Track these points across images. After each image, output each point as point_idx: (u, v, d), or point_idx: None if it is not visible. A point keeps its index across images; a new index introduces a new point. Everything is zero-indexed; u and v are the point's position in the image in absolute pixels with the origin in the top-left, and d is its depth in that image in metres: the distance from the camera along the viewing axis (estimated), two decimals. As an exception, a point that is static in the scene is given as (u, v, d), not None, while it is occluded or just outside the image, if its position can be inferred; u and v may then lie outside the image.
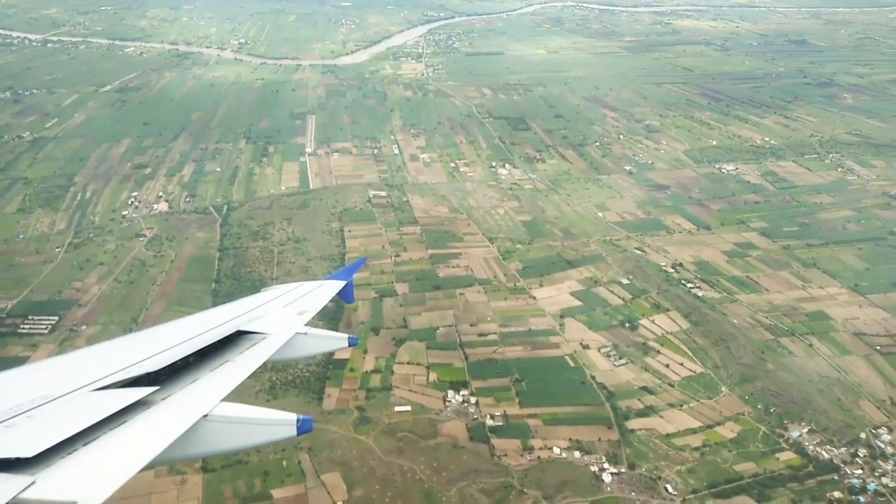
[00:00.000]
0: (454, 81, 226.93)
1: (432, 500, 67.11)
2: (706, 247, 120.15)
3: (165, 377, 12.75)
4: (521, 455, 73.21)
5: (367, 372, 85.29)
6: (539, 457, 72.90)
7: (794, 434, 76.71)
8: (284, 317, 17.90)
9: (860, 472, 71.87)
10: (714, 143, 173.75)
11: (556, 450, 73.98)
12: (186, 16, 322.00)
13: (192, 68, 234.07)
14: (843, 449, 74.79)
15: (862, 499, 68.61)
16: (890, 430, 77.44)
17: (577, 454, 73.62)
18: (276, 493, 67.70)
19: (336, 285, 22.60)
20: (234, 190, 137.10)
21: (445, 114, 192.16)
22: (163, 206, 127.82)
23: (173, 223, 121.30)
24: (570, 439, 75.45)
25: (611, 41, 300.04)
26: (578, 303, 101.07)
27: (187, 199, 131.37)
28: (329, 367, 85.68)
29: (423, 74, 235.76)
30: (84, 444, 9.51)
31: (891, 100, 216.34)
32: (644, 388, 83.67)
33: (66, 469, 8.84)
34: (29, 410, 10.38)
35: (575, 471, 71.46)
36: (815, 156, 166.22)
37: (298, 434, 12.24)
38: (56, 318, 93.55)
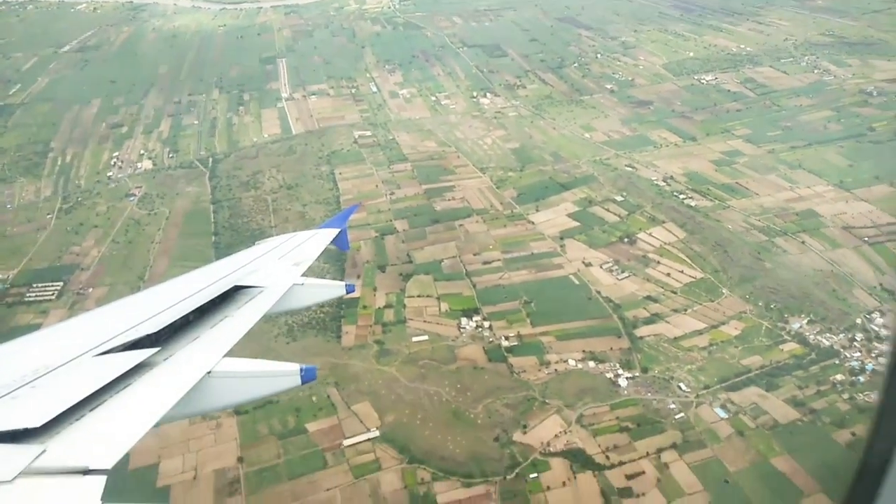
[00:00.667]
0: (422, 12, 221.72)
1: (460, 418, 70.08)
2: (694, 158, 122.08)
3: (166, 337, 12.88)
4: (539, 370, 76.15)
5: (379, 308, 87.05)
6: (556, 370, 75.92)
7: (795, 326, 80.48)
8: (281, 269, 18.05)
9: (858, 354, 75.98)
10: (691, 54, 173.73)
11: (572, 362, 77.03)
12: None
13: (149, 20, 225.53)
14: (841, 335, 78.76)
15: (861, 378, 72.81)
16: (882, 314, 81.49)
17: (591, 364, 76.74)
18: (311, 427, 70.11)
19: (330, 233, 22.77)
20: (215, 142, 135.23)
21: (418, 46, 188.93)
22: (147, 164, 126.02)
23: (161, 180, 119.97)
24: (584, 351, 78.43)
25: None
26: (576, 223, 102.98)
27: (170, 155, 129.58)
28: (342, 306, 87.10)
29: (389, 7, 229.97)
30: (90, 410, 9.57)
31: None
32: (648, 298, 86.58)
33: (75, 436, 8.88)
34: (33, 381, 10.38)
35: (591, 379, 74.70)
36: (791, 59, 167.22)
37: (302, 383, 12.44)
38: (61, 283, 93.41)
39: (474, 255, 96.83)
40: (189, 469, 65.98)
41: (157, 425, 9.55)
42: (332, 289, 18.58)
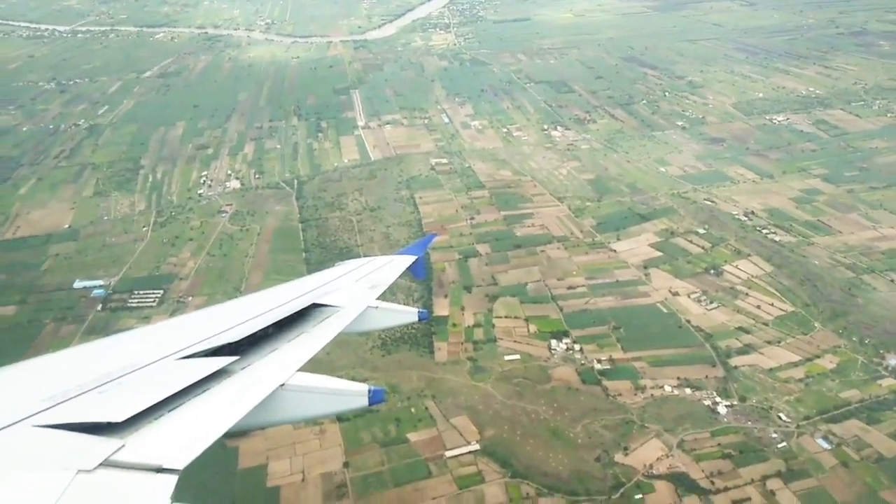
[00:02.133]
0: (487, 49, 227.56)
1: (560, 437, 70.62)
2: (773, 194, 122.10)
3: (245, 347, 13.33)
4: (635, 394, 76.45)
5: (469, 326, 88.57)
6: (652, 395, 76.13)
7: (892, 362, 79.49)
8: (357, 290, 18.48)
9: (962, 393, 74.62)
10: (760, 95, 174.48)
11: (668, 388, 77.18)
12: (207, 0, 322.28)
13: (225, 50, 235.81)
14: (943, 374, 77.54)
15: (969, 418, 71.40)
16: None
17: (687, 391, 76.79)
18: (412, 437, 71.37)
19: (407, 260, 23.09)
20: (298, 165, 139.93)
21: (486, 81, 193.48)
22: (235, 184, 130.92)
23: (250, 199, 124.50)
24: (678, 378, 78.55)
25: (634, 2, 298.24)
26: (659, 253, 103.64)
27: (257, 176, 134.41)
28: (432, 323, 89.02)
29: (454, 44, 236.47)
30: (169, 411, 10.01)
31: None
32: (740, 328, 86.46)
33: (153, 434, 9.31)
34: (119, 377, 10.81)
35: (689, 405, 74.69)
36: (863, 103, 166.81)
37: (370, 404, 12.76)
38: (161, 291, 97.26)
39: (558, 279, 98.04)
40: (297, 471, 67.63)
41: (229, 433, 10.01)
42: (405, 314, 18.98)
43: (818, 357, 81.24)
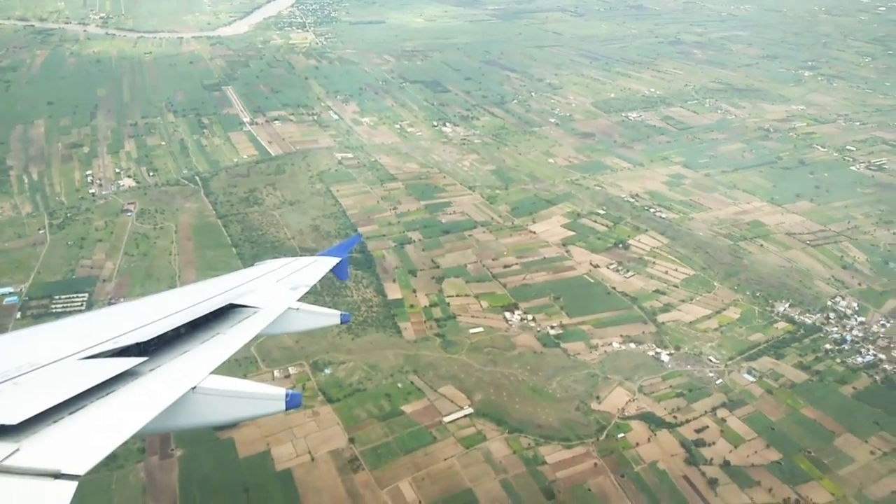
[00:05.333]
0: (352, 49, 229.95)
1: (540, 393, 77.62)
2: (647, 180, 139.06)
3: (155, 348, 12.68)
4: (590, 352, 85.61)
5: (426, 307, 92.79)
6: (605, 351, 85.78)
7: (781, 309, 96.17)
8: (277, 291, 18.05)
9: (836, 329, 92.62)
10: (612, 95, 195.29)
11: (615, 344, 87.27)
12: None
13: (63, 45, 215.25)
14: (818, 314, 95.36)
15: (845, 346, 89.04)
16: (843, 298, 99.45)
17: (632, 345, 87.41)
18: (406, 409, 74.53)
19: (330, 261, 22.66)
20: (193, 161, 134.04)
21: (361, 80, 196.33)
22: (128, 182, 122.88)
23: (153, 196, 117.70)
24: (621, 336, 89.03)
25: (477, 9, 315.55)
26: (572, 233, 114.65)
27: (151, 174, 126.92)
28: (389, 306, 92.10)
29: (316, 43, 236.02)
30: (70, 413, 9.35)
31: (730, 53, 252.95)
32: (657, 291, 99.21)
33: (51, 437, 8.68)
34: (15, 377, 10.14)
35: (638, 357, 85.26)
36: (696, 101, 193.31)
37: (287, 409, 12.30)
38: (86, 294, 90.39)
39: (493, 260, 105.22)
40: (303, 453, 68.20)
41: (136, 436, 9.50)
42: (327, 317, 18.37)
43: (724, 310, 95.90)
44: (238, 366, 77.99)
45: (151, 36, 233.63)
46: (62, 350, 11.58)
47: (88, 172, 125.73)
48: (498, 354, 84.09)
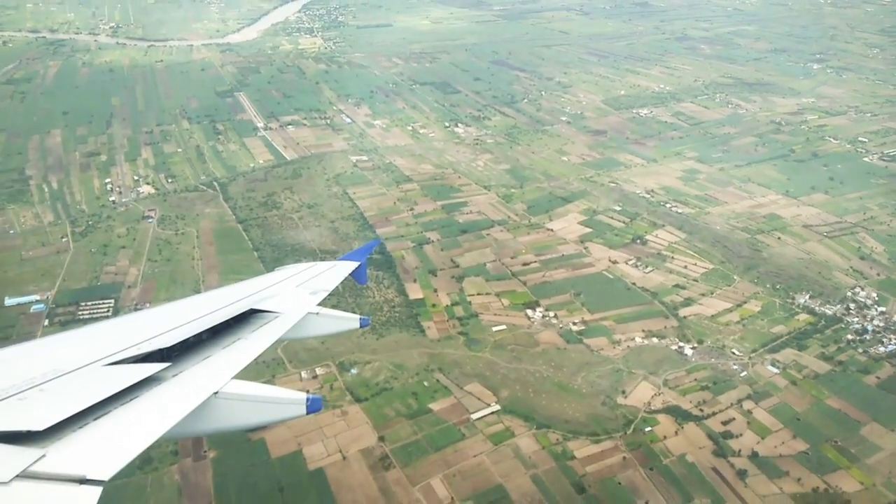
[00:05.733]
0: (360, 53, 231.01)
1: (566, 389, 78.19)
2: (661, 175, 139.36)
3: (178, 354, 12.84)
4: (613, 348, 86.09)
5: (448, 305, 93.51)
6: (628, 346, 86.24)
7: (801, 301, 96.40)
8: (297, 296, 18.12)
9: (857, 319, 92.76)
10: (622, 92, 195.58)
11: (637, 339, 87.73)
12: (31, 2, 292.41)
13: (75, 55, 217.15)
14: (838, 306, 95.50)
15: (867, 336, 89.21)
16: (862, 288, 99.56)
17: (654, 340, 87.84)
18: (434, 407, 75.25)
19: (349, 266, 22.76)
20: (210, 167, 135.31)
21: (371, 83, 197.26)
22: (147, 189, 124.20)
23: (173, 203, 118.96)
24: (643, 330, 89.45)
25: (483, 10, 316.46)
26: (589, 230, 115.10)
27: (169, 180, 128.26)
28: (412, 306, 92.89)
29: (325, 48, 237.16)
30: (95, 419, 9.47)
31: (738, 48, 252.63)
32: (677, 286, 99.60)
33: (77, 443, 8.80)
34: (41, 384, 10.25)
35: (661, 351, 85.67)
36: (706, 96, 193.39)
37: (308, 413, 12.34)
38: (111, 300, 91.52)
39: (511, 258, 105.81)
40: (334, 452, 68.99)
41: (159, 442, 9.67)
42: (347, 321, 18.54)
43: (745, 303, 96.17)
44: (266, 367, 79.06)
45: (162, 44, 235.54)
46: (86, 356, 11.73)
47: (108, 180, 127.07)
48: (522, 351, 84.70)
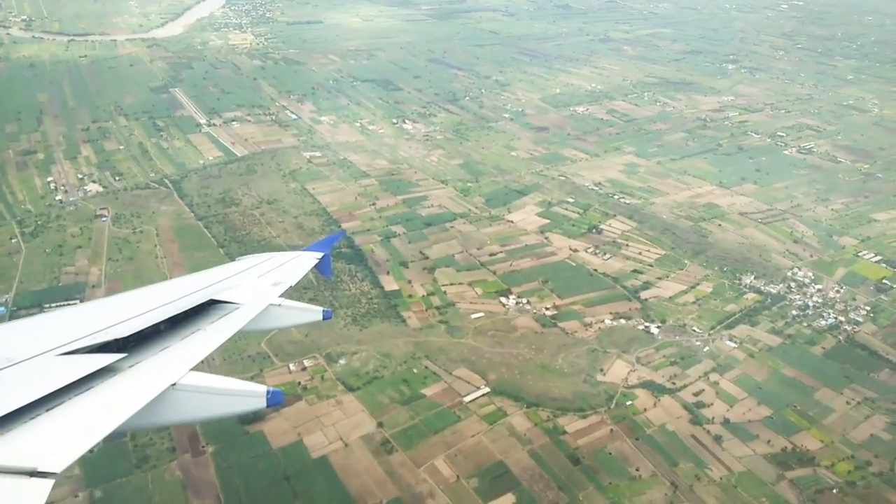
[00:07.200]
0: (295, 49, 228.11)
1: (549, 370, 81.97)
2: (605, 169, 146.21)
3: (134, 344, 12.48)
4: (586, 329, 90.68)
5: (424, 296, 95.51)
6: (599, 328, 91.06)
7: (747, 281, 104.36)
8: (258, 287, 17.84)
9: (798, 297, 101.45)
10: (558, 91, 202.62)
11: (607, 321, 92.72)
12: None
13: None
14: (780, 285, 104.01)
15: (809, 311, 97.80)
16: (799, 269, 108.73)
17: (622, 321, 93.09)
18: (426, 392, 77.26)
19: (313, 257, 22.42)
20: (158, 164, 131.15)
21: (311, 80, 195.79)
22: (95, 187, 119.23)
23: (126, 201, 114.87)
24: (611, 313, 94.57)
25: (411, 10, 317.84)
26: (547, 221, 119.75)
27: (116, 178, 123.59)
28: (389, 297, 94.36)
29: (257, 44, 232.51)
30: (47, 410, 9.22)
31: (658, 49, 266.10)
32: (635, 271, 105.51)
33: (28, 435, 8.55)
34: None
35: (630, 331, 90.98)
36: (635, 94, 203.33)
37: (268, 406, 12.13)
38: (77, 300, 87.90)
39: (478, 249, 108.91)
40: (335, 440, 69.88)
41: (115, 433, 9.29)
42: (309, 313, 18.03)
43: (698, 284, 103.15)
44: (253, 361, 78.82)
45: (82, 39, 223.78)
46: (39, 346, 11.33)
47: (50, 179, 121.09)
48: (502, 336, 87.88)
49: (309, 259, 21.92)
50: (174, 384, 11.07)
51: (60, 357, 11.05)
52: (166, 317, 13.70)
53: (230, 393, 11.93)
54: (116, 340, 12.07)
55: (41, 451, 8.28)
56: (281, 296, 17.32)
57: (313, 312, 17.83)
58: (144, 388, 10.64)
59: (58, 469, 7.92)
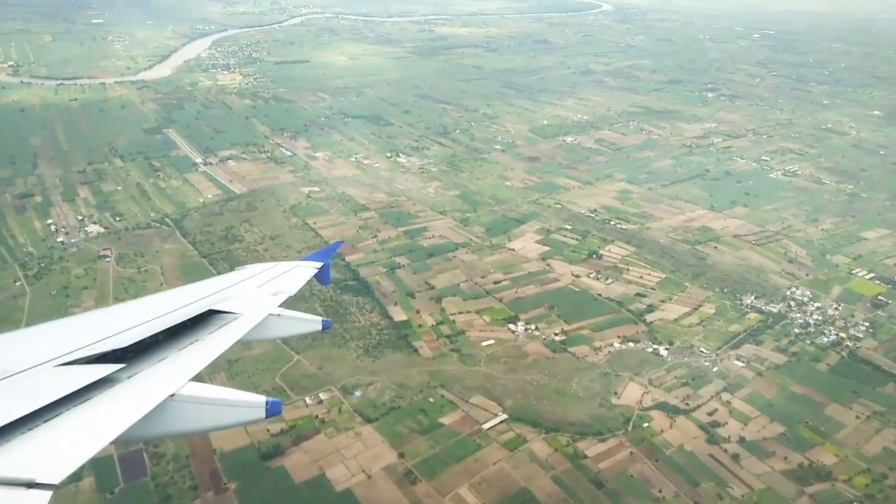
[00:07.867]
0: (284, 88, 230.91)
1: (564, 395, 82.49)
2: (599, 196, 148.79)
3: (133, 355, 12.44)
4: (596, 354, 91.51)
5: (434, 325, 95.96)
6: (609, 352, 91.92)
7: (748, 301, 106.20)
8: (258, 297, 17.80)
9: (799, 315, 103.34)
10: (545, 122, 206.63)
11: (616, 345, 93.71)
12: None
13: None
14: (781, 304, 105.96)
15: (811, 329, 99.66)
16: (797, 288, 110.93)
17: (631, 344, 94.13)
18: (445, 421, 77.27)
19: (313, 266, 22.44)
20: (158, 204, 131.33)
21: (303, 117, 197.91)
22: (96, 228, 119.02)
23: (128, 241, 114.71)
24: (619, 336, 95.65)
25: (395, 47, 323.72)
26: (547, 248, 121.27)
27: (117, 219, 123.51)
28: (398, 328, 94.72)
29: (246, 84, 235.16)
30: (45, 421, 9.16)
31: (638, 80, 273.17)
32: (638, 294, 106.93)
33: (26, 446, 8.51)
34: None
35: (639, 354, 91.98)
36: (621, 124, 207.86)
37: (267, 416, 12.07)
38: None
39: (482, 277, 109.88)
40: (357, 472, 69.64)
41: (113, 444, 9.40)
42: (308, 323, 17.91)
43: (700, 306, 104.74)
44: (267, 395, 78.06)
45: (71, 83, 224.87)
46: (38, 356, 11.34)
47: (49, 221, 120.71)
48: (514, 363, 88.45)
49: (308, 269, 22.13)
50: (173, 395, 11.12)
51: (59, 368, 11.06)
52: (165, 327, 13.78)
53: (229, 403, 12.02)
54: (115, 351, 12.08)
55: (39, 462, 8.26)
56: (280, 305, 17.44)
57: (313, 322, 17.93)
58: (143, 399, 10.65)
59: (56, 480, 7.93)
